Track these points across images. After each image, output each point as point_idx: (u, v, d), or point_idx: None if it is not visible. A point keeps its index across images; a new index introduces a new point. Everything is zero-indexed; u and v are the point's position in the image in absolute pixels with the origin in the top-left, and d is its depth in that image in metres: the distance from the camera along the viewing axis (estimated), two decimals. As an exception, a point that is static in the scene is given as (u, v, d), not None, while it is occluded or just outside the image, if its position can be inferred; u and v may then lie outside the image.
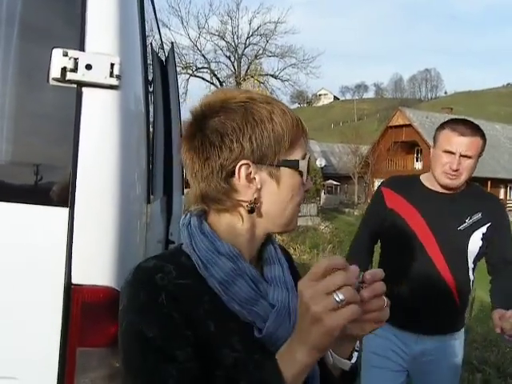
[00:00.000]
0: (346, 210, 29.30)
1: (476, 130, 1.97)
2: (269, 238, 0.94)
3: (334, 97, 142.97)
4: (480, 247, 2.04)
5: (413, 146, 35.26)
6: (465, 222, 2.01)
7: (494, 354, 4.44)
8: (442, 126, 2.06)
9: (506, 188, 35.75)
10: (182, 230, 0.88)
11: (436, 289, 2.02)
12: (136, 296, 0.78)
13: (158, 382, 0.74)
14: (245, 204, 0.85)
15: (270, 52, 28.71)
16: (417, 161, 35.64)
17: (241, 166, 0.82)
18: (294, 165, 0.86)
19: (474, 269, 2.09)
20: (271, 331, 0.82)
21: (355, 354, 0.89)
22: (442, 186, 2.03)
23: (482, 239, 2.04)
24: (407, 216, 2.05)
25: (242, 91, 0.87)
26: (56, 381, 1.16)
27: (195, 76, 28.33)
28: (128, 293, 0.80)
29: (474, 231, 2.03)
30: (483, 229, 2.04)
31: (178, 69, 26.52)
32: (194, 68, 28.18)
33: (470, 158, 1.95)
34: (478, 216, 2.03)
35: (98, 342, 1.17)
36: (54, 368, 1.16)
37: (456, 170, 1.94)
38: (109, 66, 1.16)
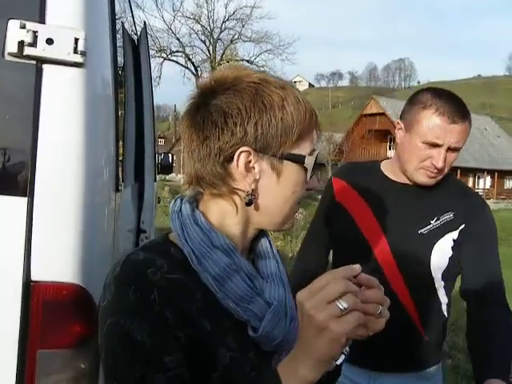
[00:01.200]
0: (320, 196, 29.51)
1: (465, 111, 1.45)
2: (262, 231, 0.88)
3: (309, 84, 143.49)
4: (450, 258, 1.50)
5: (386, 135, 35.77)
6: (429, 224, 1.52)
7: (462, 339, 4.51)
8: (422, 103, 1.46)
9: (474, 177, 36.70)
10: (172, 217, 0.81)
11: (391, 313, 1.50)
12: (125, 293, 0.71)
13: None
14: (241, 193, 0.78)
15: (246, 37, 28.50)
16: (390, 149, 36.16)
17: (241, 152, 0.75)
18: (299, 160, 0.79)
19: (446, 288, 1.55)
20: (267, 330, 0.78)
21: (342, 357, 0.84)
22: (413, 183, 1.54)
23: (452, 248, 1.51)
24: (356, 214, 1.59)
25: (257, 71, 0.81)
26: (14, 385, 1.07)
27: (169, 60, 27.91)
28: (115, 288, 0.73)
29: (441, 236, 1.51)
30: (454, 234, 1.51)
31: (152, 52, 26.00)
32: (169, 52, 27.75)
33: (457, 150, 1.47)
34: (449, 216, 1.52)
35: (60, 343, 1.08)
36: (12, 372, 1.06)
37: (440, 168, 1.45)
38: (72, 41, 1.06)
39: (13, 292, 1.06)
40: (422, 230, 1.51)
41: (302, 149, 0.79)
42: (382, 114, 34.58)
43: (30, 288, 1.06)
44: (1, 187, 1.07)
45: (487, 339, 1.47)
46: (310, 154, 0.80)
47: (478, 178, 37.39)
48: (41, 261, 1.07)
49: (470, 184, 35.28)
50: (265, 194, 0.79)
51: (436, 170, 1.46)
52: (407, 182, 1.56)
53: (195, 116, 0.78)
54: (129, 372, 0.69)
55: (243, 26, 28.21)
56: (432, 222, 1.51)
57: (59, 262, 1.08)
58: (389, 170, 1.62)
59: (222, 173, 0.77)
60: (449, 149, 1.44)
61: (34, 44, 1.03)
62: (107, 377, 0.73)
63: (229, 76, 0.78)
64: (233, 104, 0.75)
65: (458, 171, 30.54)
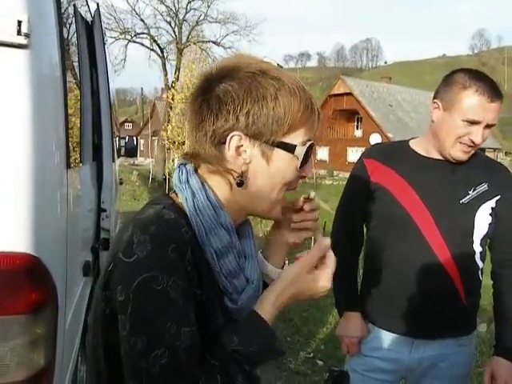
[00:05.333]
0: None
1: (500, 91, 1.57)
2: None
3: (278, 65, 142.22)
4: (490, 224, 1.65)
5: (353, 115, 36.09)
6: (468, 194, 1.63)
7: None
8: (461, 83, 1.57)
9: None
10: (180, 187, 0.85)
11: (435, 281, 1.63)
12: (164, 250, 0.74)
13: (179, 344, 0.74)
14: (234, 174, 0.84)
15: (212, 18, 27.98)
16: (357, 129, 36.56)
17: (232, 136, 0.81)
18: (289, 148, 0.83)
19: (482, 253, 1.68)
20: (245, 303, 0.86)
21: (286, 265, 1.02)
22: (446, 158, 1.65)
23: (490, 214, 1.65)
24: (397, 191, 1.67)
25: (259, 60, 0.85)
26: (-27, 350, 1.13)
27: (134, 42, 27.21)
28: (153, 246, 0.74)
29: (481, 204, 1.63)
30: (491, 202, 1.64)
31: (116, 34, 25.36)
32: (133, 33, 27.03)
33: (491, 127, 1.59)
34: (484, 187, 1.64)
35: (16, 310, 1.14)
36: (-30, 338, 1.12)
37: (478, 143, 1.57)
38: (15, 23, 1.10)
39: (-33, 262, 1.11)
40: (463, 200, 1.63)
41: (295, 138, 0.83)
42: (349, 94, 34.83)
43: (-16, 258, 1.11)
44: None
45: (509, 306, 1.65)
46: (304, 143, 0.84)
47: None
48: (-6, 233, 1.12)
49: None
50: (255, 177, 0.84)
51: (472, 145, 1.58)
52: (440, 157, 1.67)
53: (196, 100, 0.84)
54: (164, 328, 0.73)
55: (209, 7, 27.68)
56: (470, 192, 1.63)
57: (12, 234, 1.13)
58: (420, 147, 1.73)
59: (217, 154, 0.83)
60: (485, 126, 1.56)
61: (-25, 26, 1.07)
62: (134, 331, 0.73)
63: (229, 65, 0.84)
64: (228, 92, 0.80)
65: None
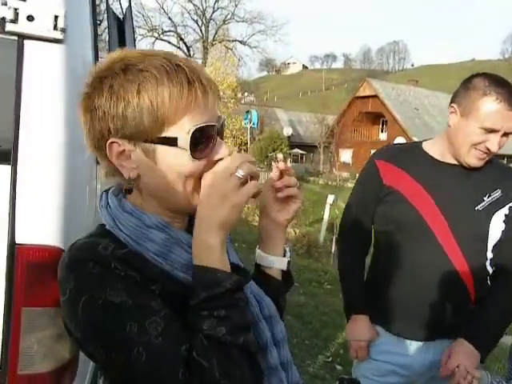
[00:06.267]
0: (311, 178, 29.61)
1: None
2: None
3: (303, 65, 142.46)
4: (503, 232, 1.62)
5: (378, 117, 35.70)
6: (483, 201, 1.61)
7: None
8: (480, 89, 1.53)
9: None
10: (101, 212, 0.84)
11: (448, 285, 1.61)
12: (85, 272, 0.74)
13: (149, 337, 0.71)
14: (125, 181, 0.82)
15: (239, 17, 28.26)
16: (382, 132, 36.16)
17: (110, 143, 0.78)
18: (171, 142, 0.77)
19: (492, 260, 1.67)
20: None
21: (287, 252, 1.00)
22: (461, 163, 1.62)
23: (504, 221, 1.62)
24: (410, 195, 1.63)
25: (119, 57, 0.78)
26: (1, 340, 1.15)
27: (161, 39, 27.54)
28: (74, 272, 0.75)
29: (495, 211, 1.61)
30: (505, 209, 1.62)
31: (144, 31, 25.69)
32: (161, 31, 27.39)
33: (510, 134, 1.55)
34: (498, 193, 1.62)
35: (44, 302, 1.16)
36: (-1, 327, 1.14)
37: (494, 152, 1.54)
38: (52, 18, 1.11)
39: (-1, 254, 1.13)
40: (479, 207, 1.60)
41: (177, 129, 0.76)
42: (375, 97, 34.48)
43: (14, 250, 1.13)
44: (-14, 157, 1.13)
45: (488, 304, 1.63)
46: (195, 130, 0.76)
47: None
48: (25, 225, 1.14)
49: None
50: (149, 179, 0.80)
51: (487, 152, 1.55)
52: (454, 162, 1.64)
53: (80, 114, 0.82)
54: (127, 332, 0.71)
55: (236, 6, 27.95)
56: (485, 198, 1.61)
57: (42, 227, 1.14)
58: (434, 150, 1.68)
59: (109, 166, 0.81)
60: (503, 134, 1.52)
61: (15, 20, 1.08)
62: (108, 351, 0.73)
63: (96, 71, 0.80)
64: (92, 101, 0.77)
65: (505, 159, 30.35)
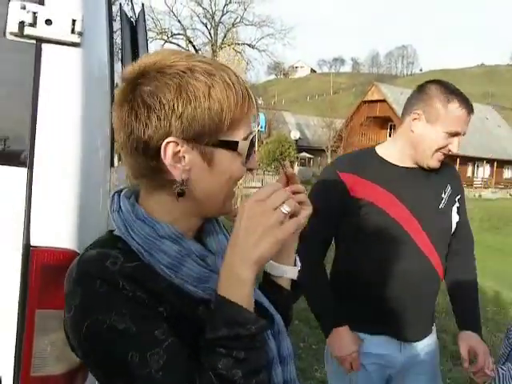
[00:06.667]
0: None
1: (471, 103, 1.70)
2: None
3: (311, 69, 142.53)
4: (457, 222, 1.81)
5: (386, 122, 35.65)
6: (442, 198, 1.74)
7: (452, 323, 4.60)
8: (445, 97, 1.63)
9: (473, 166, 36.64)
10: (112, 216, 0.81)
11: (429, 282, 1.73)
12: (92, 290, 0.72)
13: (150, 370, 0.69)
14: (174, 184, 0.77)
15: (248, 20, 28.31)
16: (389, 136, 35.98)
17: (167, 143, 0.74)
18: (232, 146, 0.77)
19: (449, 246, 1.84)
20: None
21: (298, 261, 0.97)
22: (419, 166, 1.71)
23: (457, 213, 1.80)
24: (386, 205, 1.68)
25: (184, 57, 0.77)
26: (15, 342, 1.15)
27: (170, 42, 27.69)
28: (81, 290, 0.73)
29: (452, 205, 1.78)
30: (456, 202, 1.80)
31: (153, 34, 25.83)
32: (170, 34, 27.54)
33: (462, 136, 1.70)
34: (449, 189, 1.77)
35: (58, 305, 1.15)
36: (13, 329, 1.15)
37: (455, 153, 1.67)
38: (70, 22, 1.12)
39: (14, 256, 1.13)
40: (441, 205, 1.74)
41: (236, 134, 0.78)
42: (383, 101, 34.44)
43: (29, 252, 1.13)
44: (4, 159, 1.14)
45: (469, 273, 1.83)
46: (246, 138, 0.79)
47: (477, 167, 37.34)
48: (40, 228, 1.14)
49: (469, 173, 35.27)
50: (199, 182, 0.78)
51: (447, 155, 1.68)
52: (413, 165, 1.73)
53: (121, 108, 0.76)
54: (127, 361, 0.69)
55: (245, 9, 28.03)
56: (443, 196, 1.75)
57: (57, 229, 1.15)
58: (390, 155, 1.74)
59: (153, 165, 0.76)
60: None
61: (33, 24, 1.09)
62: (107, 376, 0.73)
63: (152, 65, 0.76)
64: (156, 97, 0.73)
65: (458, 160, 30.54)
